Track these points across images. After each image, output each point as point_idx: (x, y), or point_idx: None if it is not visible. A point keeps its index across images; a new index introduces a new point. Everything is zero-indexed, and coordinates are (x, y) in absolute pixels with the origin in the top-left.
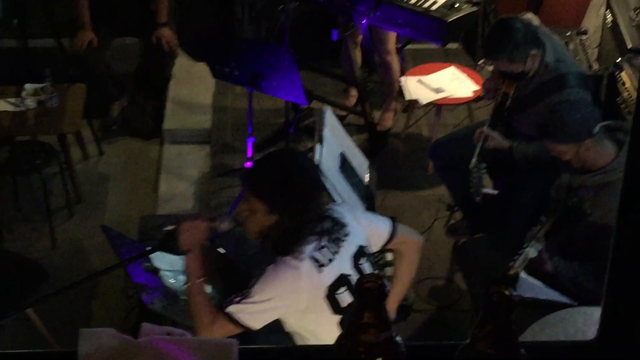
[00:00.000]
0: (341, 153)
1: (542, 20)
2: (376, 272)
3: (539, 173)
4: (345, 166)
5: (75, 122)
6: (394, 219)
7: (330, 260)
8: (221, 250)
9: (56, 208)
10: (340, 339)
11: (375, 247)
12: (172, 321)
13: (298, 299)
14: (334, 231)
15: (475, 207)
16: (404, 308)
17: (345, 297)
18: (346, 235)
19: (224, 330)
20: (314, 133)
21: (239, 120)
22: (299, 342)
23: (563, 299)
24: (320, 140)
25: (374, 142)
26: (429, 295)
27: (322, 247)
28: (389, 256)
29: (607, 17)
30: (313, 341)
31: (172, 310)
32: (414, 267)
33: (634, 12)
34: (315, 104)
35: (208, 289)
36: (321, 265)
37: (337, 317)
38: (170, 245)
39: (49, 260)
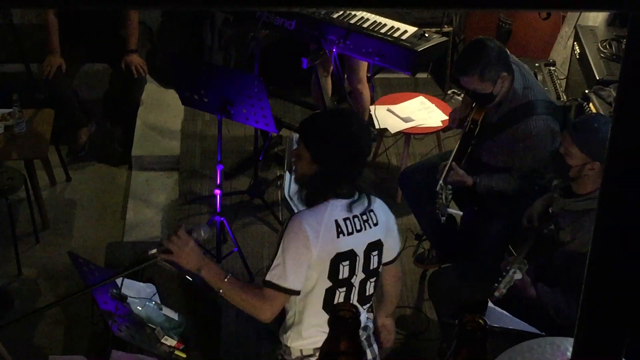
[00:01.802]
0: None
1: (511, 51)
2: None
3: (507, 203)
4: None
5: (42, 148)
6: None
7: (350, 234)
8: (189, 278)
9: (22, 234)
10: None
11: (383, 259)
12: (138, 349)
13: (314, 244)
14: (366, 212)
15: (443, 237)
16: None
17: (344, 270)
18: (375, 224)
19: (278, 302)
20: (282, 161)
21: (207, 147)
22: (288, 323)
23: (531, 329)
24: (290, 168)
25: None
26: (397, 324)
27: (348, 219)
28: None
29: (575, 48)
30: (298, 322)
31: (139, 338)
32: (399, 288)
33: (601, 44)
34: (284, 132)
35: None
36: (340, 233)
37: (328, 285)
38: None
39: (15, 287)
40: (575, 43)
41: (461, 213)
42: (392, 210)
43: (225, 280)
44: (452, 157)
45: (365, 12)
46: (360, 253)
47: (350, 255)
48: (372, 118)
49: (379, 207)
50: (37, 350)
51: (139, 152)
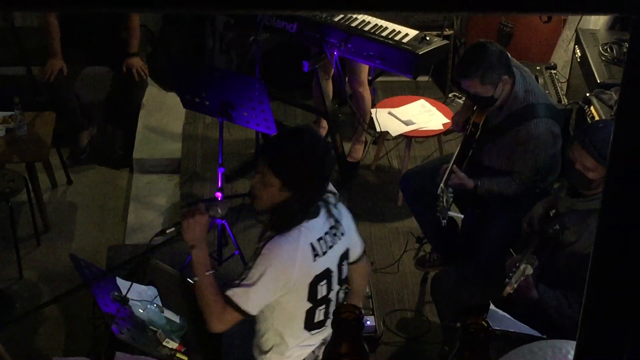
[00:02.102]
0: None
1: (512, 54)
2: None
3: (508, 206)
4: None
5: (43, 151)
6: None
7: (324, 253)
8: (190, 280)
9: (23, 237)
10: None
11: (350, 260)
12: (140, 351)
13: (290, 272)
14: (335, 226)
15: (444, 240)
16: (373, 340)
17: (322, 289)
18: (342, 234)
19: (232, 317)
20: None
21: (208, 150)
22: (266, 345)
23: (533, 332)
24: None
25: (344, 174)
26: (397, 327)
27: (321, 239)
28: None
29: (576, 52)
30: (279, 344)
31: (140, 341)
32: (366, 283)
33: (602, 47)
34: None
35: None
36: (316, 255)
37: (308, 306)
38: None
39: (16, 290)
40: (576, 46)
41: (462, 216)
42: (393, 214)
43: (207, 273)
44: (452, 160)
45: (366, 15)
46: (334, 268)
47: (326, 274)
48: (373, 121)
49: (342, 212)
50: (38, 352)
51: (140, 155)
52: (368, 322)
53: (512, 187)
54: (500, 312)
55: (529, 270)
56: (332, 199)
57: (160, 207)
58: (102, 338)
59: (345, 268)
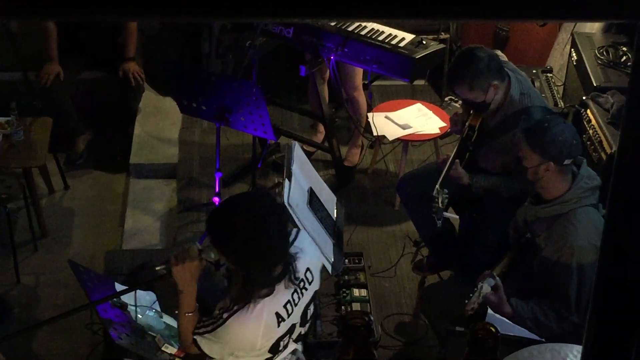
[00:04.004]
0: (310, 188)
1: (508, 58)
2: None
3: (503, 211)
4: (313, 201)
5: (40, 156)
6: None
7: (289, 315)
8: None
9: (21, 242)
10: None
11: None
12: (139, 357)
13: (253, 345)
14: (305, 281)
15: (441, 244)
16: (371, 344)
17: (284, 343)
18: (310, 282)
19: (198, 355)
20: (281, 168)
21: (205, 154)
22: None
23: (531, 336)
24: (289, 176)
25: (341, 178)
26: (395, 330)
27: (288, 302)
28: (355, 292)
29: (572, 55)
30: None
31: (139, 346)
32: None
33: (598, 51)
34: (282, 140)
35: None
36: (281, 321)
37: (268, 356)
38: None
39: (13, 295)
40: (572, 50)
41: (457, 217)
42: (390, 218)
43: (187, 314)
44: (450, 160)
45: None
46: (298, 319)
47: (290, 330)
48: (369, 125)
49: (308, 254)
50: (36, 358)
51: (137, 160)
52: None
53: (506, 186)
54: (499, 316)
55: (486, 289)
56: (293, 249)
57: (158, 212)
58: (100, 344)
59: (311, 308)
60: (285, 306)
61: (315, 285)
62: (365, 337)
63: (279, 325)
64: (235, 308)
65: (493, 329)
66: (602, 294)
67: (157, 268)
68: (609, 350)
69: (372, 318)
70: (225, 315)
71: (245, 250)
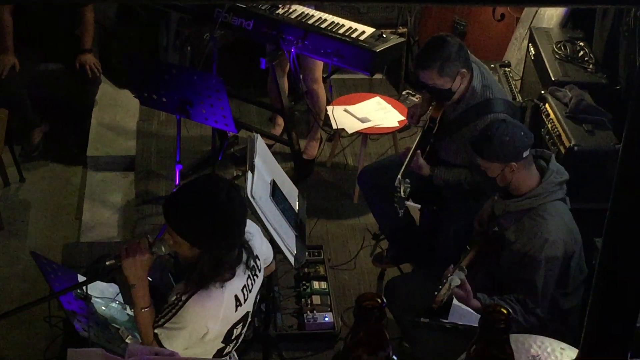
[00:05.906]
0: (272, 180)
1: None
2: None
3: (464, 204)
4: (276, 194)
5: None
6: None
7: (245, 300)
8: (149, 279)
9: None
10: (337, 357)
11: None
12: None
13: (212, 328)
14: (255, 268)
15: (401, 236)
16: (331, 336)
17: (237, 330)
18: (259, 269)
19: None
20: (240, 161)
21: (163, 147)
22: None
23: None
24: (252, 168)
25: (300, 171)
26: None
27: (244, 287)
28: (315, 284)
29: (530, 50)
30: None
31: (103, 338)
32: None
33: (556, 45)
34: (242, 133)
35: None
36: (239, 305)
37: (220, 346)
38: (107, 277)
39: None
40: (530, 44)
41: (419, 206)
42: (349, 211)
43: (143, 310)
44: (411, 150)
45: (323, 13)
46: (251, 307)
47: (244, 317)
48: (328, 118)
49: (256, 240)
50: None
51: (94, 152)
52: (326, 319)
53: (467, 178)
54: (464, 306)
55: (455, 282)
56: (248, 234)
57: (115, 205)
58: (58, 337)
59: (259, 296)
60: (242, 290)
61: (262, 275)
62: (378, 319)
63: (236, 310)
64: (195, 289)
65: (505, 311)
66: (601, 289)
67: (108, 262)
68: (606, 345)
69: (385, 300)
70: (184, 298)
71: (208, 228)
